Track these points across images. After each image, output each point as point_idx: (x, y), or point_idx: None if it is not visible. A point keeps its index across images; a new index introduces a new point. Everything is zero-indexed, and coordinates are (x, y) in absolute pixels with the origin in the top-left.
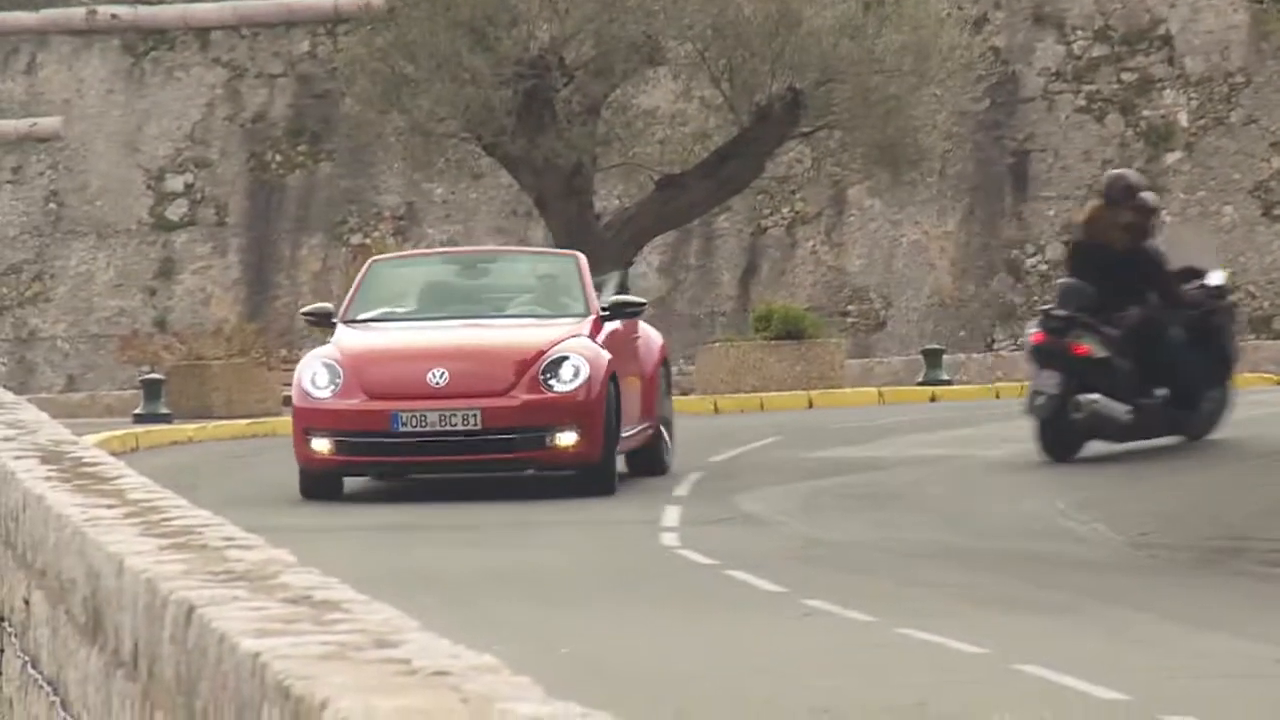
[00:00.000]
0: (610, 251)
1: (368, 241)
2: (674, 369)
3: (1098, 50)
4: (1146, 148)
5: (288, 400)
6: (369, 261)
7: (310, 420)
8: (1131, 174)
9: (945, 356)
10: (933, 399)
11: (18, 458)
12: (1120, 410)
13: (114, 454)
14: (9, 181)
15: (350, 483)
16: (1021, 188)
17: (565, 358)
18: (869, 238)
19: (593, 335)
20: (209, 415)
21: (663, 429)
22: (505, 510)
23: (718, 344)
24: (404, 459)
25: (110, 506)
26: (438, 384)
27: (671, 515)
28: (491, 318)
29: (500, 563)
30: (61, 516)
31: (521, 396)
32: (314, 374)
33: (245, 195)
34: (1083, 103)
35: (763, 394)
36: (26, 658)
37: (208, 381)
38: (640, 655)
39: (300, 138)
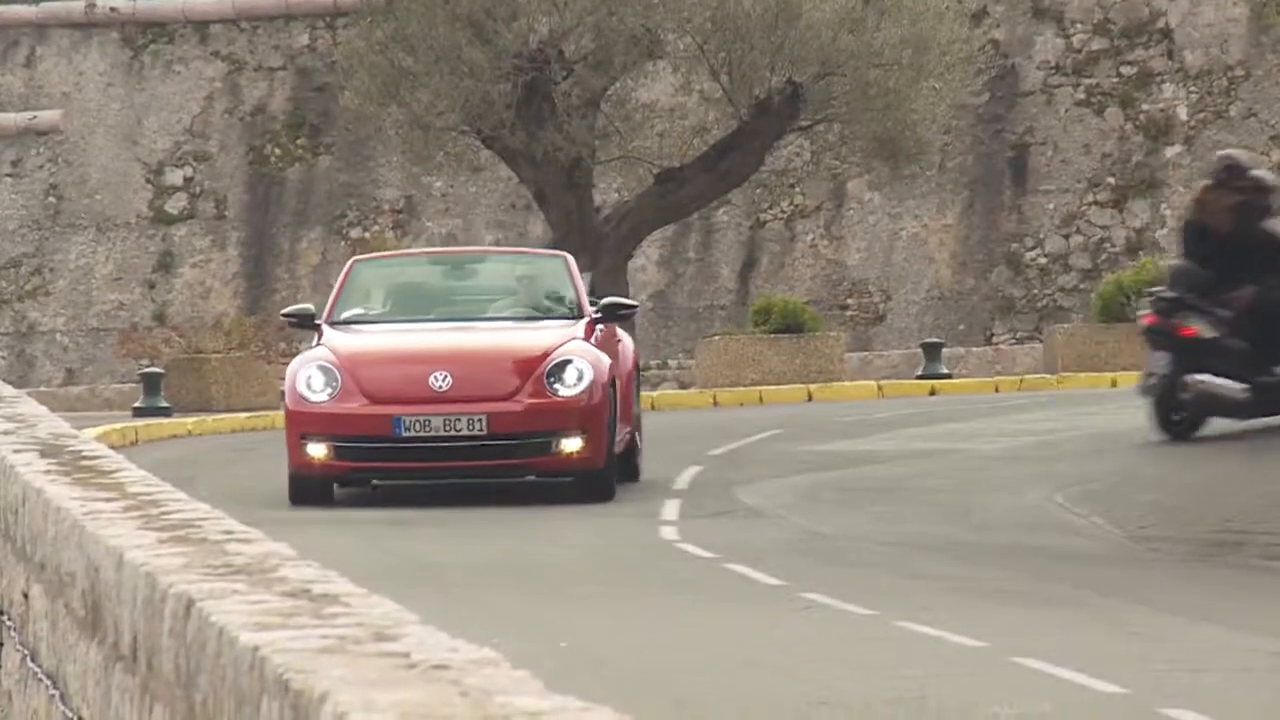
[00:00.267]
0: (610, 245)
1: (367, 235)
2: (674, 362)
3: (1097, 44)
4: (1146, 141)
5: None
6: (350, 262)
7: (306, 425)
8: (1241, 154)
9: (945, 350)
10: (932, 392)
11: (17, 451)
12: (1235, 389)
13: (113, 447)
14: (8, 175)
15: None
16: (1021, 181)
17: (569, 361)
18: (868, 231)
19: (587, 338)
20: (208, 409)
21: (636, 435)
22: (505, 504)
23: (717, 337)
24: (406, 464)
25: (109, 500)
26: (440, 388)
27: (671, 509)
28: (481, 319)
29: (500, 556)
30: (61, 510)
31: (526, 401)
32: (309, 377)
33: (244, 189)
34: (1082, 96)
35: (762, 387)
36: (26, 651)
37: (207, 375)
38: (640, 649)
39: (299, 131)
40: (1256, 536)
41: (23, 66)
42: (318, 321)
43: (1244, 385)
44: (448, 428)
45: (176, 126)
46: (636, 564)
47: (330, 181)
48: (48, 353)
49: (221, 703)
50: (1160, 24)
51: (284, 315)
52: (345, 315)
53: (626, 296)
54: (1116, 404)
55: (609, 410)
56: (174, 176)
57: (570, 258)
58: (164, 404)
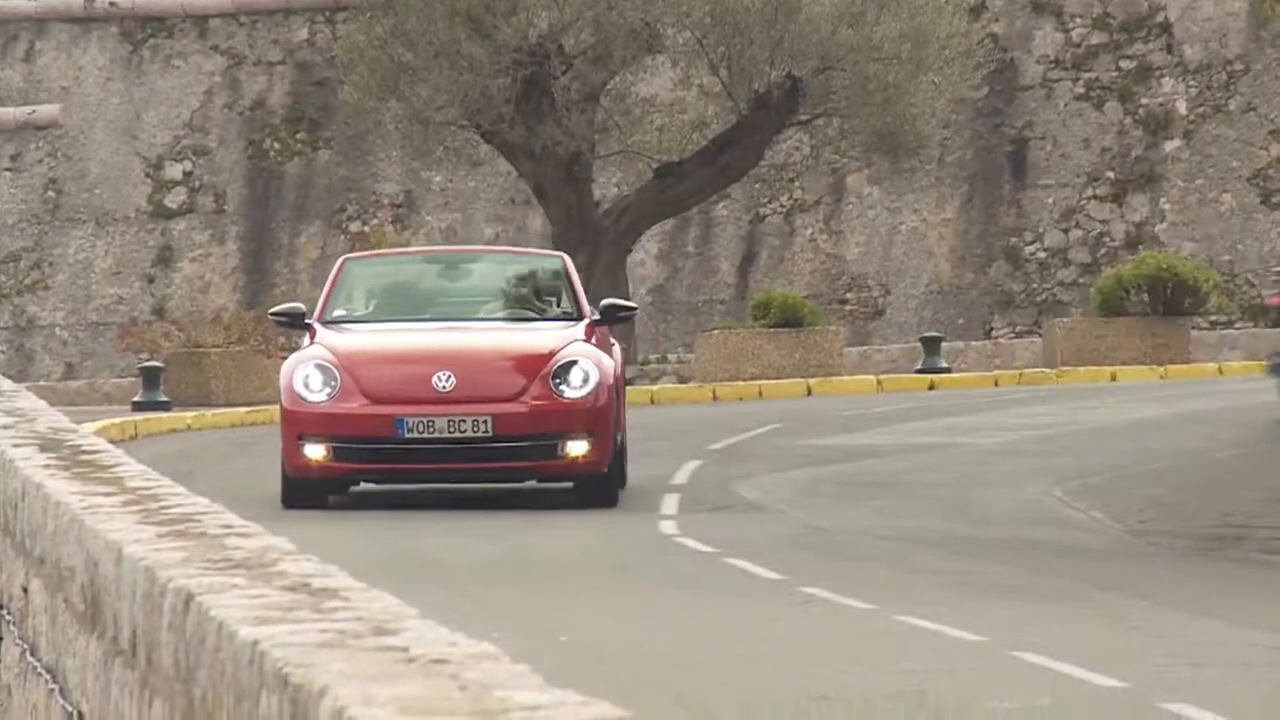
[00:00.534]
0: (609, 239)
1: (366, 229)
2: (673, 357)
3: (1096, 38)
4: (1145, 135)
5: None
6: (341, 260)
7: (304, 425)
8: None
9: (944, 344)
10: (931, 387)
11: (16, 445)
12: None
13: (112, 442)
14: (7, 169)
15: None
16: (1020, 175)
17: (574, 362)
18: (867, 225)
19: (588, 339)
20: (207, 403)
21: (624, 440)
22: (504, 499)
23: (716, 332)
24: (408, 466)
25: (109, 494)
26: (444, 388)
27: (670, 503)
28: (478, 320)
29: (500, 551)
30: (60, 504)
31: (531, 402)
32: (306, 376)
33: (244, 183)
34: (1081, 90)
35: (761, 382)
36: (25, 645)
37: (206, 369)
38: (639, 643)
39: (299, 125)
40: (1256, 531)
41: (22, 61)
42: (309, 320)
43: None
44: (452, 429)
45: (176, 121)
46: (636, 559)
47: (329, 176)
48: (47, 347)
49: (221, 697)
50: (1159, 18)
51: (272, 315)
52: (337, 314)
53: (626, 291)
54: (1116, 398)
55: (614, 412)
56: (173, 171)
57: (568, 258)
58: (163, 398)
